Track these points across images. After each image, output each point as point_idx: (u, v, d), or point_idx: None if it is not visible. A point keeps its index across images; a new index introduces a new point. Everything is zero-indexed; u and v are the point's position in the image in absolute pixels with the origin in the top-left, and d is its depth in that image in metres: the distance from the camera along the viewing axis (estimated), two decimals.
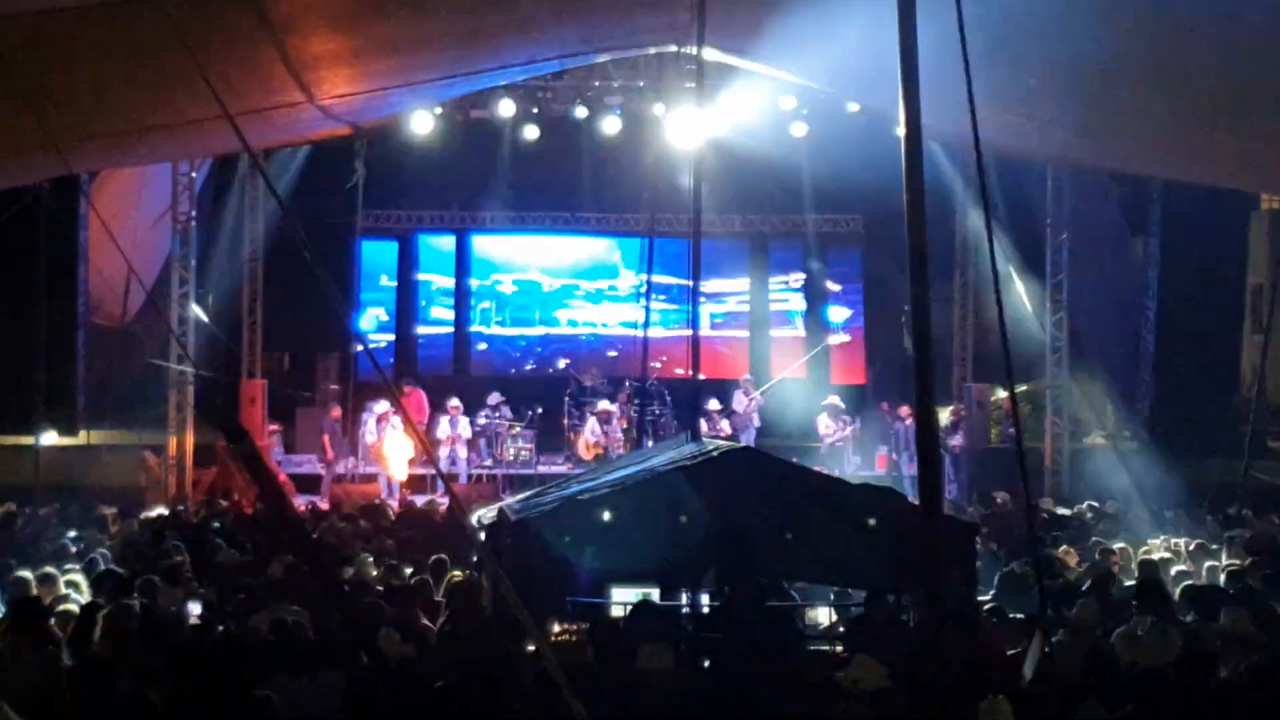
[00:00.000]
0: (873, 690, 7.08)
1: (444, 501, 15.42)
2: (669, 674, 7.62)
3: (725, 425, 20.21)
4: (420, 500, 17.03)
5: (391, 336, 24.01)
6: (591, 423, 20.45)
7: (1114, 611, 9.29)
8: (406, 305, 24.21)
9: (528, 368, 24.12)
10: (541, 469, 20.09)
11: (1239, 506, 14.76)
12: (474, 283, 24.34)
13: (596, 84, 20.51)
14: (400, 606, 9.20)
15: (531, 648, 7.67)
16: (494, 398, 20.66)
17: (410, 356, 23.80)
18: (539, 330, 24.37)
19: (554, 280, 24.43)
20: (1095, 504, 15.99)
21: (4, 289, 17.71)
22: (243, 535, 12.98)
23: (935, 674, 5.52)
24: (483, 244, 24.43)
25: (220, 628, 8.84)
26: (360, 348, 21.00)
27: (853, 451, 20.57)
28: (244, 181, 20.69)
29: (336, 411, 19.98)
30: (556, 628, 8.58)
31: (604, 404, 20.53)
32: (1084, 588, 10.22)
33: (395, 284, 24.18)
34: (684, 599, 9.67)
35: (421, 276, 24.33)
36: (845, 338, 24.35)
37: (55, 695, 7.53)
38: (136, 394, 18.97)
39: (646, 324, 19.38)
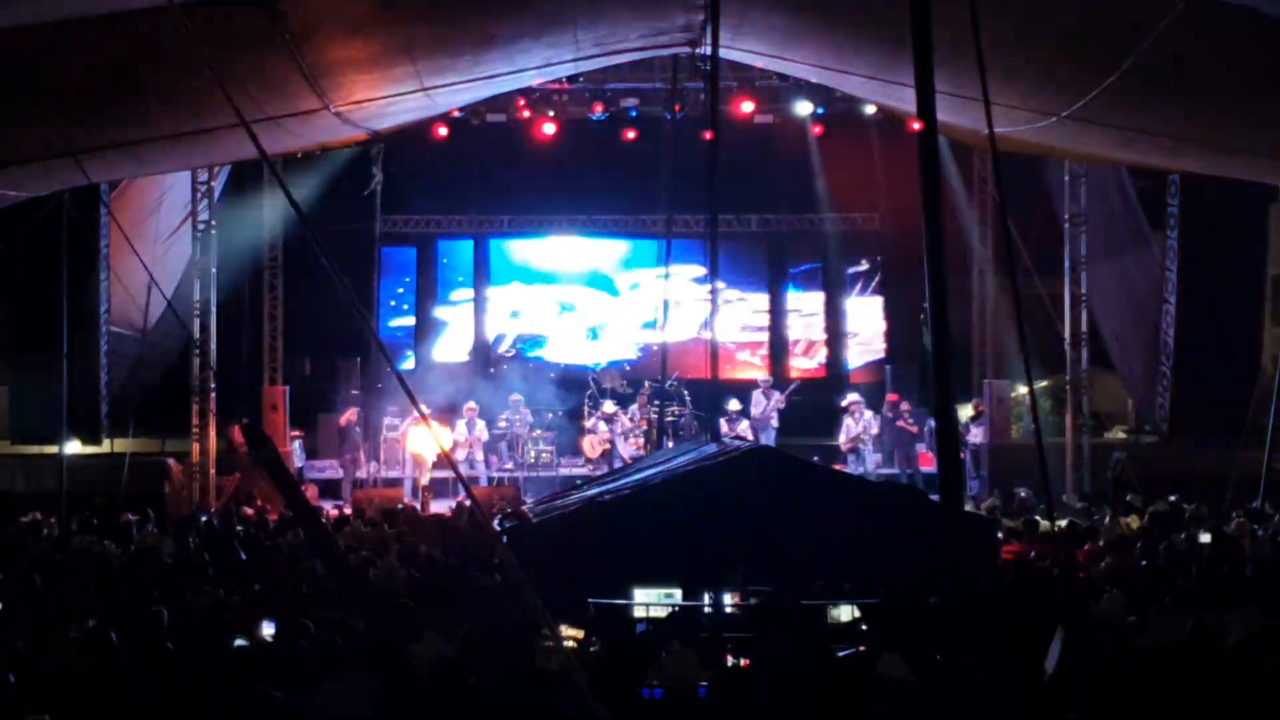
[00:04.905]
0: (899, 684, 7.09)
1: (466, 504, 15.44)
2: (695, 675, 7.62)
3: (744, 426, 20.20)
4: (442, 504, 17.06)
5: (411, 340, 24.08)
6: (600, 423, 20.50)
7: (1139, 606, 9.26)
8: (425, 309, 24.28)
9: (549, 371, 24.13)
10: (562, 471, 20.11)
11: (1262, 499, 14.70)
12: (492, 286, 24.39)
13: (612, 86, 20.53)
14: (426, 609, 9.22)
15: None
16: (514, 400, 20.67)
17: (429, 360, 23.84)
18: (557, 333, 24.39)
19: (571, 282, 24.45)
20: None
21: (26, 299, 17.81)
22: (266, 540, 13.03)
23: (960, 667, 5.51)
24: (500, 247, 24.48)
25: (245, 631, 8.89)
26: (384, 360, 21.02)
27: (873, 449, 20.53)
28: (263, 187, 20.76)
29: (354, 414, 20.01)
30: (576, 630, 8.59)
31: (609, 405, 20.55)
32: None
33: (414, 288, 24.27)
34: (706, 599, 9.69)
35: (440, 280, 24.39)
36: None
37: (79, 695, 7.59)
38: (159, 401, 19.04)
39: (664, 325, 19.49)
